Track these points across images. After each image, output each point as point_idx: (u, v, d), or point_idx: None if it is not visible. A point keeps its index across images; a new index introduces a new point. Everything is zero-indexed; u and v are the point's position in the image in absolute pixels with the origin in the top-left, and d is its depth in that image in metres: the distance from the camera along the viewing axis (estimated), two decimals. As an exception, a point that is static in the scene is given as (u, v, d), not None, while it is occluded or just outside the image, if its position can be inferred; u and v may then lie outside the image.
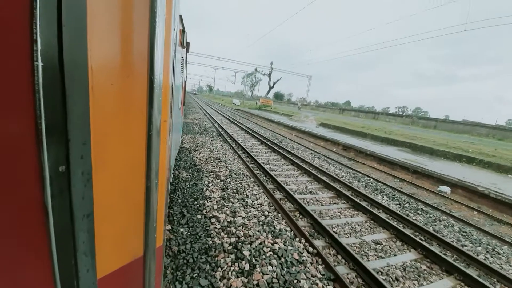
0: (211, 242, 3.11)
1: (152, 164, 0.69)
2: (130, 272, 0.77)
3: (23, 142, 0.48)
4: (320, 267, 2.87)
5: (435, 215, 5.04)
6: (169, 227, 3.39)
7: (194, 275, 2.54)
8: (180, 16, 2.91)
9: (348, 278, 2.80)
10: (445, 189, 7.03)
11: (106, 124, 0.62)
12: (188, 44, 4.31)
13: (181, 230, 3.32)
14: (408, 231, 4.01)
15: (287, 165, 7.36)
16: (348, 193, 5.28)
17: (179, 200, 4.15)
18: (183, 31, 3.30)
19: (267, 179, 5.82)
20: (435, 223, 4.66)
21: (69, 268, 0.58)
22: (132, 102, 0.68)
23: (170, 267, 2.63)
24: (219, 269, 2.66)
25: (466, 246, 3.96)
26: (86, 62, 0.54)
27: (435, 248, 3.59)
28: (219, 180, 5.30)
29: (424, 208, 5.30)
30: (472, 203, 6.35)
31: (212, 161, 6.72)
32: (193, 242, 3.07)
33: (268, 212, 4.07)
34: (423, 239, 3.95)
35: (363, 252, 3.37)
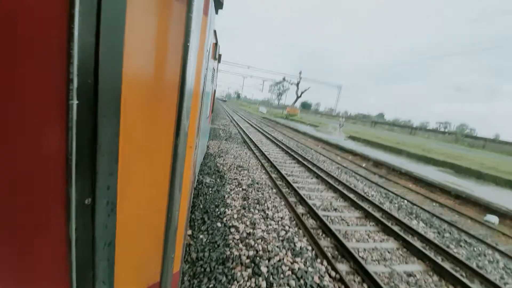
0: (229, 252, 3.07)
1: (175, 195, 0.69)
2: None
3: (53, 178, 0.50)
4: (342, 295, 2.64)
5: (480, 248, 4.41)
6: (189, 232, 3.44)
7: (210, 286, 2.52)
8: (214, 31, 3.03)
9: (374, 312, 2.53)
10: (493, 219, 6.15)
11: (133, 154, 0.63)
12: (220, 55, 4.47)
13: (201, 236, 3.35)
14: (447, 265, 3.53)
15: (311, 178, 7.10)
16: (377, 215, 4.87)
17: (201, 206, 4.22)
18: (216, 44, 3.43)
19: (289, 191, 5.66)
20: (479, 258, 4.08)
21: None
22: (160, 132, 0.69)
23: (188, 274, 2.65)
24: (235, 282, 2.60)
25: (508, 284, 3.47)
26: (120, 96, 0.55)
27: (477, 287, 3.16)
28: (241, 189, 5.30)
29: (467, 240, 4.65)
30: (526, 238, 5.41)
31: (235, 168, 6.78)
32: (211, 250, 3.07)
33: (289, 227, 3.92)
34: (464, 275, 3.45)
35: (392, 284, 3.03)
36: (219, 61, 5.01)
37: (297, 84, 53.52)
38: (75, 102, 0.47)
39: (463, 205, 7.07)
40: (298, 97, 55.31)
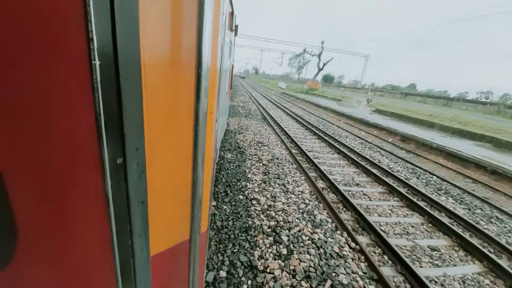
0: (251, 222, 3.25)
1: (198, 158, 0.72)
2: (178, 252, 0.86)
3: (85, 138, 0.54)
4: (362, 264, 2.72)
5: (511, 225, 4.18)
6: (214, 203, 3.67)
7: (235, 250, 2.73)
8: None
9: (393, 281, 2.58)
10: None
11: (158, 118, 0.66)
12: (236, 27, 4.27)
13: (225, 207, 3.56)
14: (475, 241, 3.42)
15: (332, 154, 6.97)
16: (403, 190, 4.73)
17: (224, 180, 4.42)
18: (232, 13, 3.27)
19: (309, 166, 5.65)
20: (509, 234, 3.90)
21: (127, 247, 0.67)
22: (181, 96, 0.70)
23: (214, 240, 2.89)
24: (258, 248, 2.78)
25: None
26: (139, 58, 0.55)
27: (503, 262, 3.04)
28: (261, 164, 5.40)
29: (499, 216, 4.40)
30: None
31: (255, 144, 6.86)
32: (234, 220, 3.27)
33: (309, 201, 3.99)
34: (492, 251, 3.35)
35: (414, 257, 3.03)
36: (235, 34, 4.81)
37: (319, 56, 50.20)
38: (97, 62, 0.48)
39: (498, 181, 6.56)
40: (320, 70, 52.21)
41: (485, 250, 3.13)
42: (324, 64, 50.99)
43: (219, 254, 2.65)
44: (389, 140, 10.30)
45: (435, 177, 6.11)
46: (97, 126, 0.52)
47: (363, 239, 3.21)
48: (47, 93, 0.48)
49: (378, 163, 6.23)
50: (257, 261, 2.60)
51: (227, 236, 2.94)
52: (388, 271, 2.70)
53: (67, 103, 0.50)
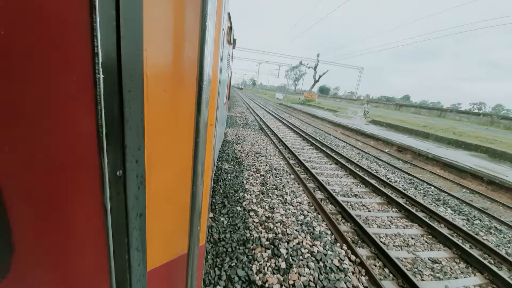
0: (249, 234, 3.19)
1: (198, 169, 0.72)
2: (175, 266, 0.84)
3: (86, 150, 0.53)
4: (363, 278, 2.65)
5: (510, 235, 4.17)
6: (211, 215, 3.60)
7: (232, 264, 2.65)
8: (229, 14, 2.96)
9: (395, 295, 2.52)
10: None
11: (158, 130, 0.66)
12: (234, 40, 4.39)
13: (222, 219, 3.50)
14: (475, 252, 3.38)
15: (330, 164, 6.97)
16: (401, 201, 4.71)
17: (221, 191, 4.37)
18: (230, 28, 3.36)
19: (307, 177, 5.63)
20: (508, 245, 3.87)
21: (123, 261, 0.65)
22: (182, 108, 0.71)
23: (211, 253, 2.81)
24: (256, 262, 2.71)
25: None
26: (142, 72, 0.56)
27: (504, 273, 3.00)
28: (259, 175, 5.37)
29: (498, 227, 4.38)
30: None
31: (253, 155, 6.84)
32: (232, 232, 3.20)
33: (308, 212, 3.94)
34: (492, 262, 3.31)
35: (416, 270, 2.97)
36: (234, 47, 4.93)
37: (315, 68, 51.33)
38: (101, 76, 0.49)
39: (496, 191, 6.58)
40: (315, 81, 53.22)
41: (485, 262, 3.09)
42: (320, 76, 52.03)
43: (216, 269, 2.56)
44: (386, 151, 10.37)
45: (432, 188, 6.11)
46: (98, 137, 0.53)
47: (363, 252, 3.15)
48: (50, 104, 0.49)
49: (375, 174, 6.24)
50: (255, 275, 2.52)
51: (225, 249, 2.87)
52: (389, 285, 2.63)
53: (69, 114, 0.51)
